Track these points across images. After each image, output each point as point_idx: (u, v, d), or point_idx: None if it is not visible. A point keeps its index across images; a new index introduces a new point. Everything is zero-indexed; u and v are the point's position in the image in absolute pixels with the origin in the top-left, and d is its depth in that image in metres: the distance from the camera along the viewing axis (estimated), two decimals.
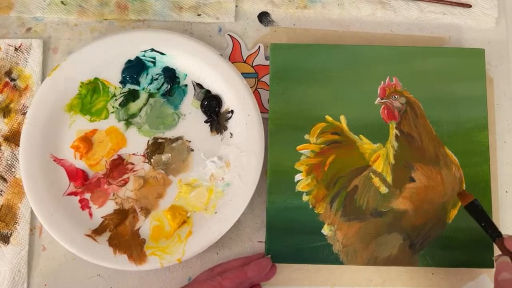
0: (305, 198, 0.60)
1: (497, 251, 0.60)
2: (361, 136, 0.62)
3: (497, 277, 0.50)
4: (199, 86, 0.63)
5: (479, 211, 0.56)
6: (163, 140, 0.63)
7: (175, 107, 0.63)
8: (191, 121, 0.63)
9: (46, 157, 0.60)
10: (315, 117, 0.62)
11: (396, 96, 0.62)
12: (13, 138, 0.63)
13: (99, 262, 0.58)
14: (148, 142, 0.62)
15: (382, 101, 0.62)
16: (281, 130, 0.61)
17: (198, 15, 0.66)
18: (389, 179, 0.61)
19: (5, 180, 0.62)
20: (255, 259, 0.59)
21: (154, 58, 0.63)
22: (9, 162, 0.62)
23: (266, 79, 0.65)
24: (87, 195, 0.61)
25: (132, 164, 0.62)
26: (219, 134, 0.63)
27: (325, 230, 0.60)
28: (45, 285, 0.61)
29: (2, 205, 0.61)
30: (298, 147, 0.61)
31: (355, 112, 0.62)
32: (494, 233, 0.54)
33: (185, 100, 0.64)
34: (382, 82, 0.63)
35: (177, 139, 0.63)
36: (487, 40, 0.67)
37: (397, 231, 0.60)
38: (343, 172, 0.61)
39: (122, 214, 0.61)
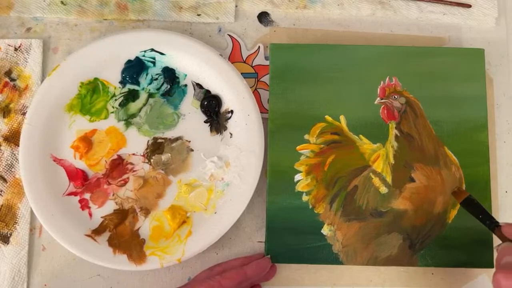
0: (305, 198, 0.60)
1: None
2: (361, 136, 0.62)
3: (499, 262, 0.49)
4: (199, 86, 0.64)
5: (475, 205, 0.56)
6: (163, 140, 0.63)
7: (175, 107, 0.63)
8: (190, 121, 0.63)
9: (46, 157, 0.61)
10: (315, 117, 0.62)
11: (396, 96, 0.62)
12: (13, 138, 0.63)
13: (99, 262, 0.58)
14: (148, 142, 0.62)
15: (382, 101, 0.62)
16: (281, 130, 0.61)
17: (198, 15, 0.66)
18: (389, 179, 0.61)
19: (5, 180, 0.62)
20: (255, 259, 0.59)
21: (154, 58, 0.63)
22: (9, 162, 0.62)
23: (266, 79, 0.65)
24: (87, 195, 0.61)
25: (132, 164, 0.62)
26: (219, 134, 0.63)
27: (325, 230, 0.60)
28: (45, 285, 0.61)
29: (2, 205, 0.61)
30: (298, 147, 0.61)
31: (355, 112, 0.62)
32: (492, 224, 0.54)
33: (184, 100, 0.64)
34: (382, 82, 0.63)
35: (176, 139, 0.63)
36: (487, 40, 0.67)
37: (397, 231, 0.60)
38: (343, 172, 0.61)
39: (122, 214, 0.61)
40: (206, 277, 0.56)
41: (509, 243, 0.51)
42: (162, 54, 0.63)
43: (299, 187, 0.60)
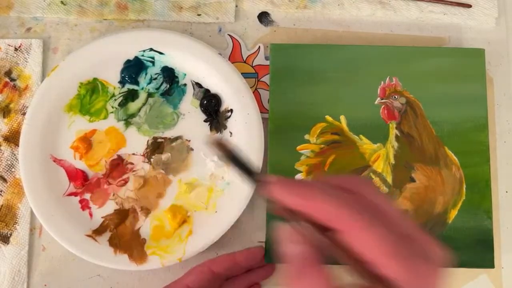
0: None
1: (497, 251, 0.61)
2: (361, 136, 0.62)
3: (284, 250, 0.35)
4: (198, 85, 0.63)
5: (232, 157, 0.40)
6: (163, 140, 0.63)
7: (174, 106, 0.63)
8: (190, 120, 0.63)
9: (45, 158, 0.60)
10: (315, 117, 0.62)
11: (396, 96, 0.62)
12: (13, 138, 0.63)
13: (99, 262, 0.58)
14: (147, 141, 0.62)
15: (382, 101, 0.62)
16: (281, 130, 0.61)
17: (198, 15, 0.66)
18: (389, 179, 0.61)
19: (5, 180, 0.62)
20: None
21: (153, 58, 0.63)
22: (9, 162, 0.62)
23: (266, 79, 0.65)
24: (87, 196, 0.61)
25: (132, 164, 0.62)
26: (219, 133, 0.63)
27: None
28: (45, 285, 0.61)
29: (2, 205, 0.61)
30: (298, 147, 0.61)
31: (355, 112, 0.62)
32: (253, 176, 0.39)
33: (184, 99, 0.64)
34: (382, 82, 0.63)
35: (176, 138, 0.63)
36: (487, 40, 0.67)
37: None
38: (343, 172, 0.61)
39: (122, 214, 0.61)
40: (196, 266, 0.56)
41: (287, 223, 0.35)
42: (161, 53, 0.63)
43: None
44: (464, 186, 0.60)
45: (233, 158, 0.40)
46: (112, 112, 0.63)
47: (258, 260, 0.58)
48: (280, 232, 0.35)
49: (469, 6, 0.67)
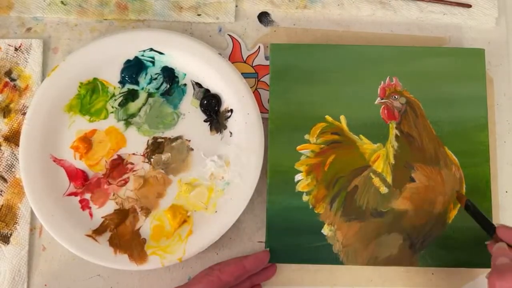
0: (305, 198, 0.60)
1: None
2: (361, 136, 0.62)
3: (494, 262, 0.50)
4: (198, 85, 0.63)
5: (474, 210, 0.57)
6: (163, 140, 0.63)
7: (175, 106, 0.63)
8: (190, 120, 0.63)
9: (46, 158, 0.60)
10: (315, 117, 0.62)
11: (396, 96, 0.62)
12: (13, 138, 0.63)
13: (99, 262, 0.58)
14: (147, 141, 0.62)
15: (382, 101, 0.62)
16: (281, 130, 0.62)
17: (198, 15, 0.66)
18: (389, 179, 0.61)
19: (5, 180, 0.62)
20: (252, 257, 0.59)
21: (153, 58, 0.63)
22: (9, 162, 0.62)
23: (266, 79, 0.65)
24: (87, 195, 0.61)
25: (132, 164, 0.62)
26: (219, 133, 0.63)
27: (325, 230, 0.60)
28: (45, 285, 0.61)
29: (2, 205, 0.61)
30: (298, 147, 0.61)
31: (355, 112, 0.62)
32: (490, 228, 0.55)
33: (184, 99, 0.64)
34: (382, 82, 0.63)
35: (176, 138, 0.63)
36: (487, 40, 0.67)
37: (397, 231, 0.60)
38: (343, 172, 0.61)
39: (122, 214, 0.61)
40: (205, 274, 0.56)
41: (503, 243, 0.52)
42: (161, 53, 0.63)
43: (299, 187, 0.61)
44: (464, 186, 0.60)
45: (471, 209, 0.57)
46: (112, 112, 0.63)
47: (264, 264, 0.58)
48: (496, 249, 0.51)
49: (469, 6, 0.67)
